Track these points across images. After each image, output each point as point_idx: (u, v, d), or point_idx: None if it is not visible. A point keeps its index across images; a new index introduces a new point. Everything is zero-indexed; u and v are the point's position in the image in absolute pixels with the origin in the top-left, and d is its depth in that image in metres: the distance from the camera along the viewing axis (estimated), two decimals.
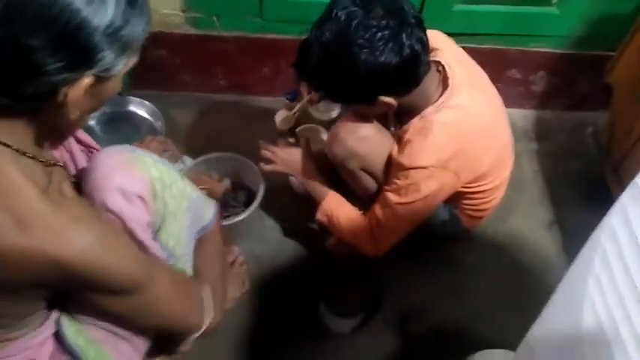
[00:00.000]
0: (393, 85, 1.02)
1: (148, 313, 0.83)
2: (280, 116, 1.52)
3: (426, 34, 1.00)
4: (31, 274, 0.69)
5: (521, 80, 1.76)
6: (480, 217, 1.33)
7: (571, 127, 1.79)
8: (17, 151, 0.71)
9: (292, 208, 1.51)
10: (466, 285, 1.41)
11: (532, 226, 1.55)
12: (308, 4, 1.43)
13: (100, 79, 0.68)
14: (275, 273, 1.40)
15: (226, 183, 1.43)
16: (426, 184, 1.08)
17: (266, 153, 1.31)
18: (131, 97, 1.63)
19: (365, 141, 1.14)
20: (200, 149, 1.51)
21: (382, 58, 0.95)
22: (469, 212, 1.28)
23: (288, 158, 1.30)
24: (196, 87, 1.77)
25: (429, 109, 1.07)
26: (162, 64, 1.67)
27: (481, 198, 1.24)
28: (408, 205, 1.10)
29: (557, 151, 1.74)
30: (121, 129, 1.61)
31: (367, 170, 1.18)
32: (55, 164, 0.80)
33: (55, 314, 0.84)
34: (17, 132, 0.71)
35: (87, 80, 0.66)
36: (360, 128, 1.14)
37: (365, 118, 1.15)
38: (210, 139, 1.64)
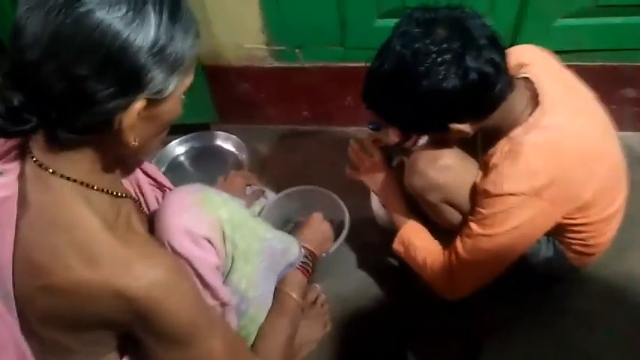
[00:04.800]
0: (463, 112, 0.94)
1: None
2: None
3: (501, 53, 0.91)
4: (97, 308, 0.68)
5: (638, 99, 1.59)
6: (591, 254, 1.16)
7: None
8: (82, 184, 0.70)
9: (379, 244, 1.42)
10: (578, 333, 1.25)
11: None
12: (390, 29, 1.39)
13: (153, 102, 0.66)
14: (359, 314, 1.32)
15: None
16: (514, 214, 0.96)
17: (355, 156, 1.27)
18: (218, 132, 1.69)
19: (446, 170, 1.04)
20: (283, 182, 1.50)
21: (444, 85, 0.88)
22: (577, 248, 1.13)
23: (373, 170, 1.24)
24: (280, 119, 1.80)
25: (518, 130, 0.97)
26: (247, 98, 1.72)
27: (589, 231, 1.09)
28: (492, 237, 1.00)
29: None
30: (209, 163, 1.66)
31: (450, 202, 1.08)
32: (124, 196, 0.79)
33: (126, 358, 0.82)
34: (82, 165, 0.70)
35: (139, 104, 0.64)
36: (440, 157, 1.05)
37: (444, 144, 1.06)
38: (293, 172, 1.64)
